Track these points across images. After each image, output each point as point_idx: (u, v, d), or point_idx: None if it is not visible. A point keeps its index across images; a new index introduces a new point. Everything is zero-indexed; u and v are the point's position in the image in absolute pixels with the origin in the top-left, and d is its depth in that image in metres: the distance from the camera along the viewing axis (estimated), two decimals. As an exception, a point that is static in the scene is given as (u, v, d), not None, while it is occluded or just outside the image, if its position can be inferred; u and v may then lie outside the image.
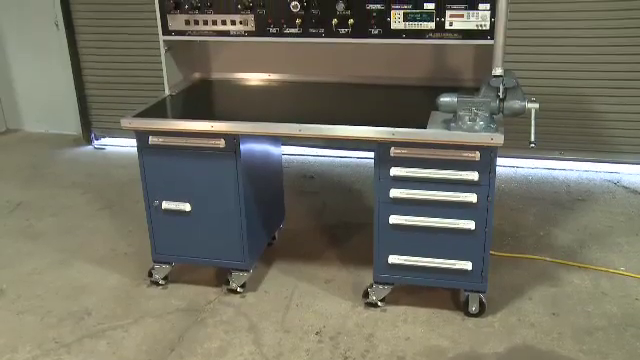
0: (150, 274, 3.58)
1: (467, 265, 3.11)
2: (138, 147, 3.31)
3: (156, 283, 3.59)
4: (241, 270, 3.47)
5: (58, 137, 6.26)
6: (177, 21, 3.47)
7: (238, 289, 3.49)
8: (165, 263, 3.57)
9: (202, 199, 3.33)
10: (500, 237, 3.99)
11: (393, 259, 3.19)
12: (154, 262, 3.57)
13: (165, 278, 3.60)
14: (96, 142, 6.10)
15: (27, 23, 6.02)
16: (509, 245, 3.95)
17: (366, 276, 3.48)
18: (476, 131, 2.86)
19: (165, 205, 3.36)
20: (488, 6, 3.07)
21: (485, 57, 3.05)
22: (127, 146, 5.75)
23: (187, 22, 3.46)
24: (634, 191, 4.68)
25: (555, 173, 5.05)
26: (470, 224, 3.03)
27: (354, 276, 3.66)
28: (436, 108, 2.94)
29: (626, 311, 3.27)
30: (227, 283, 3.49)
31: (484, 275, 3.13)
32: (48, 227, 4.41)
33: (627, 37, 4.66)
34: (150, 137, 3.24)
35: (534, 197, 4.65)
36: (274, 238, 3.99)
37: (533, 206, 4.50)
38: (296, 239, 4.10)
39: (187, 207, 3.34)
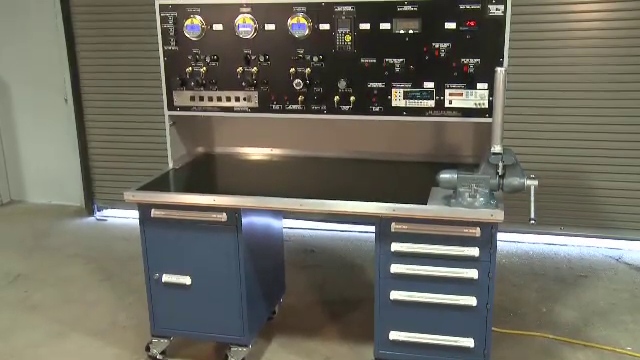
0: (148, 348, 3.53)
1: (469, 342, 3.06)
2: (140, 220, 3.32)
3: (154, 358, 3.53)
4: (240, 345, 3.42)
5: (60, 208, 6.28)
6: (182, 97, 3.56)
7: (237, 365, 3.43)
8: (164, 337, 3.53)
9: (203, 273, 3.32)
10: (502, 313, 3.95)
11: (394, 335, 3.15)
12: (153, 336, 3.52)
13: (163, 352, 3.54)
14: (98, 213, 6.13)
15: (37, 98, 6.16)
16: (511, 321, 3.91)
17: (366, 352, 3.42)
18: (476, 207, 2.88)
19: (165, 278, 3.35)
20: (486, 85, 3.17)
21: (484, 134, 3.12)
22: (129, 218, 5.79)
23: (192, 98, 3.55)
24: (637, 268, 4.66)
25: (556, 248, 5.04)
26: (471, 300, 3.01)
27: (354, 352, 3.60)
28: (436, 184, 2.98)
29: (635, 394, 3.21)
30: (226, 358, 3.43)
31: (487, 353, 3.08)
32: (47, 299, 4.38)
33: (627, 116, 4.76)
34: (152, 210, 3.26)
35: (535, 272, 4.62)
36: (274, 312, 3.96)
37: (535, 282, 4.47)
38: (296, 314, 4.06)
39: (187, 280, 3.33)
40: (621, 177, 4.88)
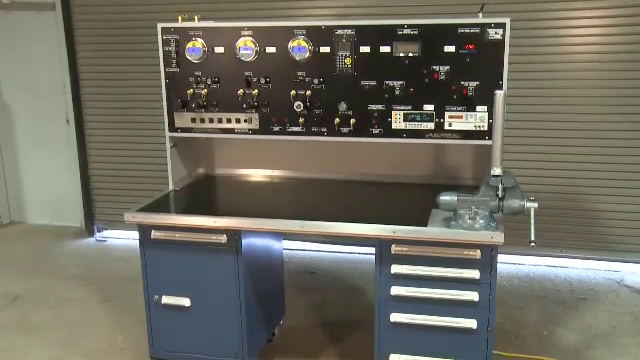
0: (146, 371, 3.52)
1: (470, 366, 3.05)
2: (140, 241, 3.32)
3: (152, 380, 3.52)
4: (239, 368, 3.41)
5: (60, 229, 6.28)
6: (183, 119, 3.57)
7: (236, 388, 3.41)
8: (162, 359, 3.50)
9: (202, 294, 3.31)
10: (503, 336, 3.92)
11: (394, 358, 3.12)
12: (151, 358, 3.50)
13: (161, 375, 3.53)
14: (98, 234, 6.12)
15: (39, 118, 6.21)
16: (512, 344, 3.88)
17: (367, 376, 3.40)
18: (476, 229, 2.88)
19: (165, 300, 3.34)
20: (485, 108, 3.18)
21: (484, 156, 3.13)
22: (129, 239, 5.78)
23: (193, 120, 3.56)
24: (638, 291, 4.64)
25: (557, 270, 5.03)
26: (472, 323, 2.99)
27: (355, 375, 3.58)
28: (436, 206, 2.98)
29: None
30: (225, 381, 3.41)
31: (487, 376, 3.07)
32: (45, 320, 4.35)
33: (626, 139, 4.78)
34: (152, 231, 3.26)
35: (536, 295, 4.61)
36: (274, 334, 3.93)
37: (535, 304, 4.45)
38: (296, 336, 4.04)
39: (187, 302, 3.32)
40: (622, 199, 4.88)
